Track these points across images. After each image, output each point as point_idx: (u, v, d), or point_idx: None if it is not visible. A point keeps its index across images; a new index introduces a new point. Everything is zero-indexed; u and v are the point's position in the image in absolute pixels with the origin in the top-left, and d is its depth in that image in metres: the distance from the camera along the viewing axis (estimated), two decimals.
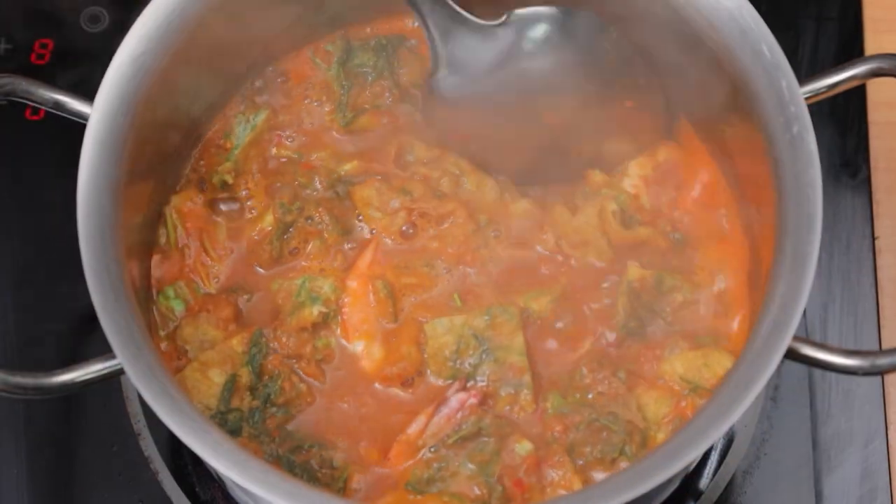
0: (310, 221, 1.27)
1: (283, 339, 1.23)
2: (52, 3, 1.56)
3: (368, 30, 1.36)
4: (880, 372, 1.11)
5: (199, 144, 1.32)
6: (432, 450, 1.19)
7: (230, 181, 1.29)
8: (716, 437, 1.06)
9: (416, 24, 1.31)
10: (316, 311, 1.24)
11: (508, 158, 1.29)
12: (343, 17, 1.35)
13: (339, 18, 1.35)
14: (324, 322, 1.24)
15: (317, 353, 1.23)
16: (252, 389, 1.21)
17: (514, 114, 1.29)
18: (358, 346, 1.24)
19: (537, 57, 1.28)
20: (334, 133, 1.32)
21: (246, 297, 1.26)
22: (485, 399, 1.21)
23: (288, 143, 1.32)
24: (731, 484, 1.36)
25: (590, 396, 1.20)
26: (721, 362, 1.20)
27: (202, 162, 1.31)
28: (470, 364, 1.21)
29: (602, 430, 1.18)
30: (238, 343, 1.22)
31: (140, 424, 1.37)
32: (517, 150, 1.30)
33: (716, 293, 1.25)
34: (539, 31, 1.27)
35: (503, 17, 1.27)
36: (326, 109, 1.33)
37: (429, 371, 1.23)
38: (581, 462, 1.18)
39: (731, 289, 1.25)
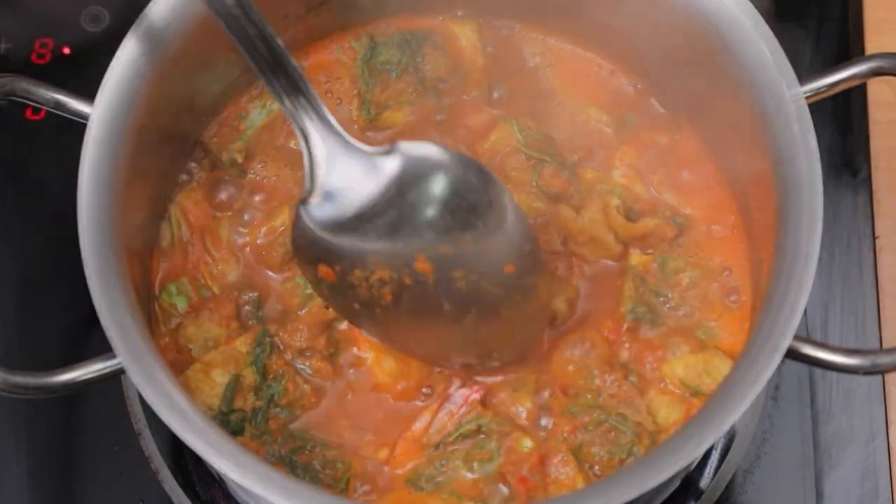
0: None
1: (296, 334, 1.23)
2: (52, 2, 1.56)
3: (392, 27, 1.35)
4: (881, 371, 1.12)
5: (210, 124, 1.32)
6: (436, 447, 1.19)
7: (240, 160, 1.30)
8: (716, 436, 1.07)
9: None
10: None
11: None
12: (364, 13, 1.35)
13: (357, 16, 1.35)
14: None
15: (329, 346, 1.23)
16: (256, 389, 1.21)
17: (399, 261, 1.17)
18: (368, 357, 1.23)
19: (421, 198, 1.16)
20: (354, 128, 1.32)
21: (250, 294, 1.26)
22: (487, 396, 1.21)
23: None
24: (731, 483, 1.36)
25: (600, 399, 1.20)
26: (720, 369, 1.20)
27: (215, 139, 1.31)
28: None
29: (611, 430, 1.18)
30: (242, 343, 1.22)
31: (141, 424, 1.37)
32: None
33: (721, 272, 1.26)
34: (425, 169, 1.15)
35: (388, 147, 1.16)
36: (352, 106, 1.33)
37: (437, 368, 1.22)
38: (589, 463, 1.18)
39: (736, 272, 1.25)
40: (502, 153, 1.30)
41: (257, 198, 1.29)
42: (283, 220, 1.26)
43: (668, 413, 1.20)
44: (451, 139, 1.32)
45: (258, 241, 1.27)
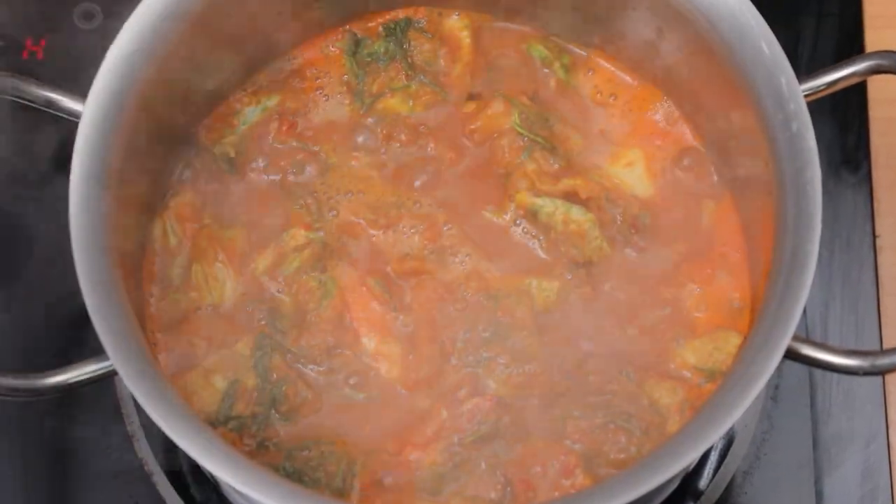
0: (299, 206, 1.28)
1: (310, 335, 1.22)
2: None
3: (372, 24, 1.36)
4: (881, 372, 1.11)
5: (203, 120, 1.31)
6: (444, 452, 1.18)
7: (232, 154, 1.29)
8: (715, 437, 1.06)
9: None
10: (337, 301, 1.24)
11: None
12: (345, 10, 1.35)
13: (339, 12, 1.35)
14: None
15: (346, 347, 1.23)
16: (258, 392, 1.20)
17: None
18: (370, 344, 1.23)
19: None
20: (344, 123, 1.32)
21: (254, 302, 1.25)
22: (498, 403, 1.20)
23: (295, 130, 1.32)
24: (731, 484, 1.37)
25: (601, 399, 1.20)
26: (730, 340, 1.20)
27: (207, 133, 1.31)
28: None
29: (618, 431, 1.18)
30: (243, 346, 1.22)
31: (134, 426, 1.37)
32: None
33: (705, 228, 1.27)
34: None
35: None
36: (345, 101, 1.33)
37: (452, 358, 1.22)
38: (603, 466, 1.18)
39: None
40: (494, 133, 1.30)
41: (259, 213, 1.29)
42: (295, 242, 1.26)
43: (671, 399, 1.20)
44: (445, 121, 1.32)
45: (263, 264, 1.26)
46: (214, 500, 1.36)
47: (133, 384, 1.07)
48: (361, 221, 1.28)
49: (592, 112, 1.33)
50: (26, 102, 1.20)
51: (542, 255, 1.27)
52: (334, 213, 1.28)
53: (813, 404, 1.40)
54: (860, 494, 1.37)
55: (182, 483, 1.36)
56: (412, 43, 1.34)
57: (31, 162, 1.49)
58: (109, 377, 1.10)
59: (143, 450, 1.36)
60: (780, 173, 1.15)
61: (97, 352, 1.10)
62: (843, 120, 1.51)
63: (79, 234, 1.12)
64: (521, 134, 1.29)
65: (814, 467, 1.37)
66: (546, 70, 1.35)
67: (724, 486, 1.36)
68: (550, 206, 1.27)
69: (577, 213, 1.26)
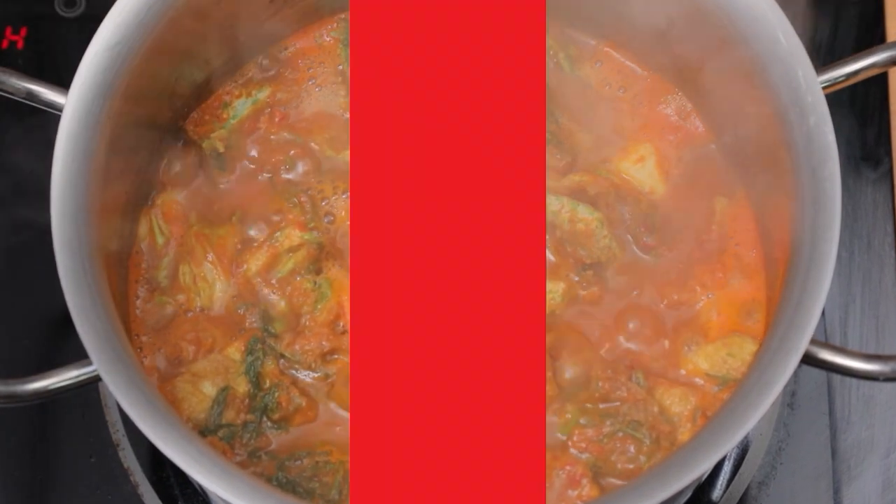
0: (293, 203, 1.27)
1: (305, 339, 1.22)
2: None
3: None
4: None
5: (191, 113, 1.31)
6: None
7: (221, 149, 1.30)
8: (729, 446, 1.06)
9: None
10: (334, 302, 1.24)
11: None
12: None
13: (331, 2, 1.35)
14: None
15: (342, 352, 1.22)
16: (250, 399, 1.20)
17: None
18: None
19: None
20: (339, 116, 1.32)
21: (245, 304, 1.25)
22: None
23: (286, 123, 1.32)
24: (745, 495, 1.37)
25: (609, 406, 1.20)
26: (745, 347, 1.20)
27: (196, 128, 1.31)
28: None
29: (627, 440, 1.18)
30: (234, 351, 1.22)
31: (119, 434, 1.37)
32: None
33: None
34: None
35: None
36: (340, 92, 1.33)
37: None
38: (611, 476, 1.18)
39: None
40: None
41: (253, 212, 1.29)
42: (289, 242, 1.26)
43: (682, 406, 1.20)
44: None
45: (255, 266, 1.26)
46: None
47: (118, 390, 1.07)
48: None
49: (600, 105, 1.33)
50: (6, 94, 1.20)
51: (547, 255, 1.27)
52: (330, 212, 1.28)
53: (831, 411, 1.40)
54: None
55: (169, 494, 1.36)
56: None
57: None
58: (93, 383, 1.10)
59: (129, 459, 1.37)
60: (796, 169, 1.15)
61: (80, 356, 1.09)
62: (863, 113, 1.51)
63: (61, 234, 1.12)
64: None
65: (832, 477, 1.37)
66: (550, 61, 1.35)
67: (738, 497, 1.36)
68: (556, 204, 1.26)
69: (584, 211, 1.26)
